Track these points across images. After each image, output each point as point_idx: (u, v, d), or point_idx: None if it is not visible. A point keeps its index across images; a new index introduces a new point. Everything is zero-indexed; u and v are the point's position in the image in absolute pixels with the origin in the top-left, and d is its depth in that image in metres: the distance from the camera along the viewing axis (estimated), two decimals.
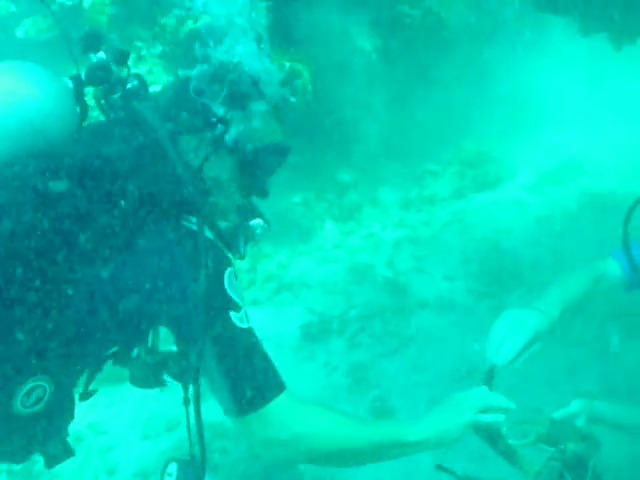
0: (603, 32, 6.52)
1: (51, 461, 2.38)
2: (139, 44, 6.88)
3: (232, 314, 2.23)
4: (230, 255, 2.40)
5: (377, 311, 6.88)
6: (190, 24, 6.69)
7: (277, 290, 7.56)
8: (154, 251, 2.21)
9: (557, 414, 2.90)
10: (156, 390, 2.45)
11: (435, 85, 8.66)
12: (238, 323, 2.24)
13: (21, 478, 5.63)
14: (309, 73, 7.50)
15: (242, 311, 2.26)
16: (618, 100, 8.80)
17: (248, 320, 2.29)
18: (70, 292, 2.12)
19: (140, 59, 6.83)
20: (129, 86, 2.46)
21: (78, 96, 2.37)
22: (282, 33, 7.23)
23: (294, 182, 7.88)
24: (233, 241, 2.44)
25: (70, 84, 2.37)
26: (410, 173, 8.97)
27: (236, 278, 2.31)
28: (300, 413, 2.36)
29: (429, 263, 7.53)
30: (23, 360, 2.10)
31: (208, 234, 2.29)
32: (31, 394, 2.14)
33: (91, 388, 2.44)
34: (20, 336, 2.07)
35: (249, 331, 2.28)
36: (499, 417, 2.58)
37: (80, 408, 2.40)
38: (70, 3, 6.90)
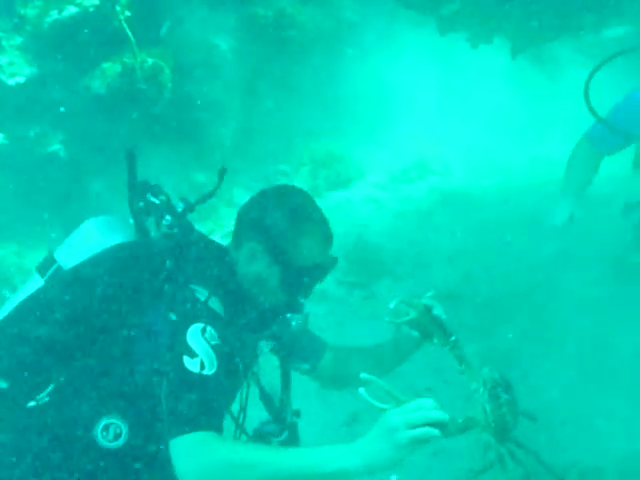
0: (460, 32, 6.94)
1: None
2: None
3: (185, 357, 2.44)
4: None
5: None
6: (55, 14, 6.46)
7: None
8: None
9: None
10: None
11: (287, 86, 8.82)
12: (188, 365, 2.43)
13: None
14: (170, 70, 7.44)
15: (197, 359, 2.45)
16: (467, 98, 9.30)
17: (206, 369, 2.45)
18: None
19: (0, 50, 6.53)
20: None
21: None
22: (146, 28, 7.16)
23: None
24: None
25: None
26: (263, 174, 9.05)
27: (207, 333, 2.51)
28: (222, 444, 2.38)
29: None
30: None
31: (200, 296, 2.62)
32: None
33: None
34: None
35: (198, 375, 2.43)
36: (434, 432, 2.22)
37: None
38: None
